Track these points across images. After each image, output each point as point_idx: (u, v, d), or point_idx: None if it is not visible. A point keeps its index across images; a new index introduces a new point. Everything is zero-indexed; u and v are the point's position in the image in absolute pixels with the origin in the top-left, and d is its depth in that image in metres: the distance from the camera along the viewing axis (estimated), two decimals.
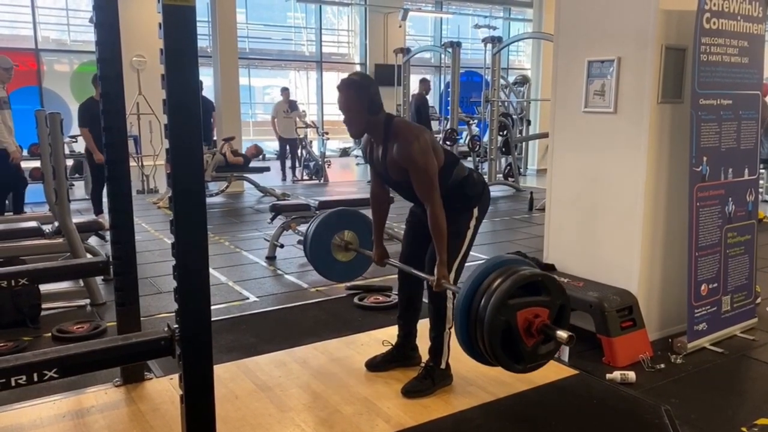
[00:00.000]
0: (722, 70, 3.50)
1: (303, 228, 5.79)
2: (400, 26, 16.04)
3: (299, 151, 11.59)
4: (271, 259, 5.64)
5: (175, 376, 2.57)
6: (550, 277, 2.29)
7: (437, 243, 2.68)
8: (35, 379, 2.03)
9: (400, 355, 3.15)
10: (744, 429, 2.69)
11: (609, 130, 3.58)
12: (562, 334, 2.13)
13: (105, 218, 4.93)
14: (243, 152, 9.38)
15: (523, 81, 12.39)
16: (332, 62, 16.70)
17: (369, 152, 2.91)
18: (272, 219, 5.90)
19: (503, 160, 10.63)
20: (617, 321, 3.34)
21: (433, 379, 2.90)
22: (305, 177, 11.42)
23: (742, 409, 2.90)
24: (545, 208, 4.15)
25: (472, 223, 2.87)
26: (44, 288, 4.12)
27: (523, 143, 11.81)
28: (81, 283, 4.36)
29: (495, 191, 9.85)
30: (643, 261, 3.50)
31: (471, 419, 2.71)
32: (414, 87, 11.22)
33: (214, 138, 9.76)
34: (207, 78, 9.94)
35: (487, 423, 2.68)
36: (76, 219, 4.74)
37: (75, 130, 9.79)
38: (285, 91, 11.77)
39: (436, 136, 10.69)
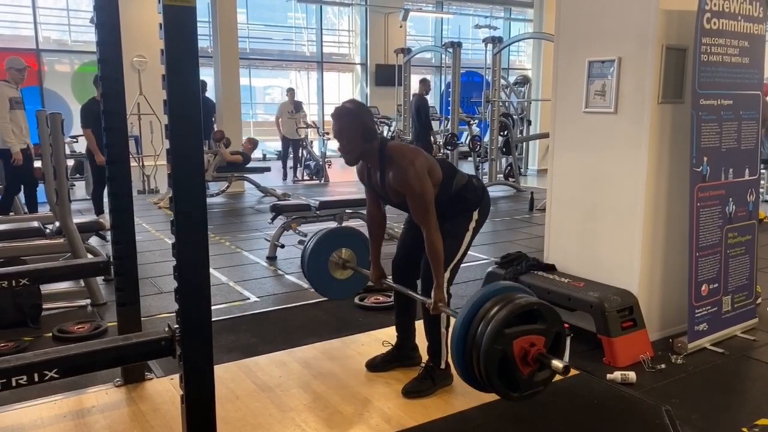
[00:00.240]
0: (723, 71, 3.50)
1: (303, 228, 5.80)
2: (400, 26, 16.06)
3: (300, 152, 11.60)
4: (271, 259, 5.64)
5: (176, 377, 2.57)
6: (546, 305, 2.33)
7: (434, 267, 2.71)
8: (36, 379, 2.04)
9: (401, 355, 3.16)
10: (745, 429, 2.69)
11: (609, 131, 3.58)
12: (558, 363, 2.17)
13: (106, 218, 4.94)
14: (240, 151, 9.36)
15: (524, 81, 12.40)
16: (333, 62, 16.71)
17: (366, 176, 2.94)
18: (273, 219, 5.90)
19: (504, 160, 10.63)
20: (618, 321, 3.34)
21: (433, 379, 2.90)
22: (306, 177, 11.43)
23: (742, 410, 2.90)
24: (546, 208, 4.15)
25: (472, 225, 2.88)
26: (45, 288, 4.13)
27: (524, 143, 11.81)
28: (82, 283, 4.36)
29: (496, 191, 9.85)
30: (643, 261, 3.50)
31: (471, 419, 2.71)
32: (414, 87, 11.21)
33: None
34: (208, 78, 9.94)
35: (487, 423, 2.69)
36: (76, 219, 4.74)
37: (75, 130, 9.82)
38: (290, 91, 11.79)
39: (436, 136, 10.79)
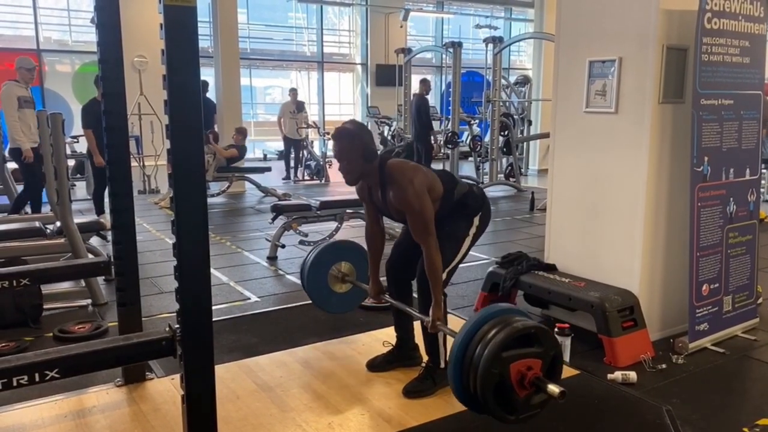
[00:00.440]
0: (723, 70, 3.49)
1: (304, 228, 5.81)
2: (401, 26, 16.06)
3: (300, 152, 11.60)
4: (272, 259, 5.65)
5: (177, 376, 2.57)
6: (543, 328, 2.35)
7: (432, 285, 2.73)
8: (37, 379, 2.04)
9: (401, 355, 3.16)
10: (745, 429, 2.69)
11: (610, 130, 3.58)
12: (554, 388, 2.18)
13: (106, 218, 4.94)
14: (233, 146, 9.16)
15: (525, 81, 12.39)
16: (333, 62, 16.72)
17: (368, 194, 2.97)
18: (273, 219, 5.91)
19: (504, 160, 10.63)
20: (618, 321, 3.34)
21: (434, 379, 2.90)
22: (306, 177, 11.43)
23: (743, 410, 2.90)
24: (546, 208, 4.15)
25: (472, 231, 2.91)
26: (46, 288, 4.13)
27: (525, 143, 11.81)
28: (82, 283, 4.37)
29: (496, 191, 9.86)
30: (644, 261, 3.50)
31: (472, 419, 2.69)
32: (415, 87, 11.22)
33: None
34: (208, 78, 9.95)
35: (487, 423, 2.67)
36: (77, 219, 4.74)
37: (76, 130, 9.82)
38: (293, 91, 11.78)
39: (437, 135, 10.79)
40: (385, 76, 15.50)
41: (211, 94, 10.07)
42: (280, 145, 12.29)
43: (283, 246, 5.74)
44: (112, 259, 2.95)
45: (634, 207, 3.49)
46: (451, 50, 10.26)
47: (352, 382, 3.01)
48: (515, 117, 10.91)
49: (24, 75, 6.34)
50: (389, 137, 13.01)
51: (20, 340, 3.59)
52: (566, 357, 3.31)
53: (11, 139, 6.29)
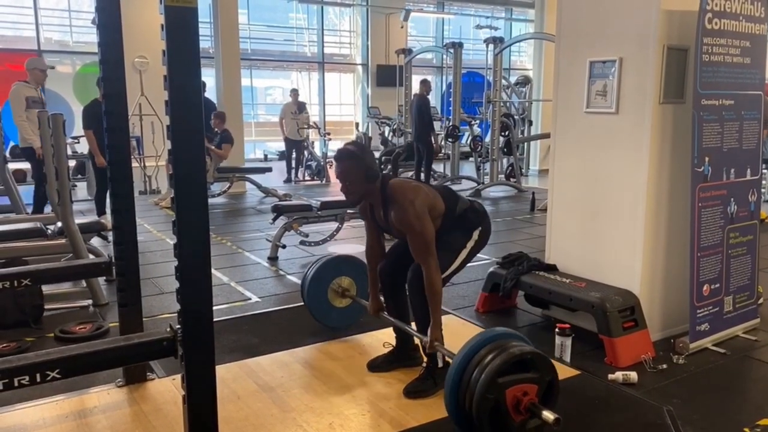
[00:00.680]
0: (724, 71, 3.49)
1: (305, 228, 5.81)
2: (401, 27, 16.07)
3: (302, 152, 11.60)
4: (273, 259, 5.65)
5: (178, 377, 2.57)
6: (539, 354, 2.37)
7: (431, 305, 2.75)
8: (38, 379, 2.04)
9: (402, 355, 3.16)
10: (746, 430, 2.69)
11: (611, 131, 3.58)
12: (549, 415, 2.21)
13: (107, 219, 4.95)
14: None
15: (525, 81, 12.39)
16: (334, 63, 16.72)
17: (370, 213, 3.00)
18: (274, 219, 5.90)
19: (505, 160, 10.63)
20: (619, 321, 3.34)
21: (434, 379, 2.91)
22: (307, 177, 11.43)
23: (744, 410, 2.90)
24: (547, 208, 4.15)
25: (470, 244, 2.96)
26: (47, 289, 4.13)
27: (525, 144, 11.81)
28: (83, 283, 4.37)
29: (497, 191, 9.86)
30: (645, 261, 3.49)
31: None
32: (415, 87, 11.22)
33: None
34: (209, 79, 9.95)
35: None
36: (78, 220, 4.74)
37: (77, 131, 9.82)
38: (294, 92, 11.77)
39: (438, 136, 10.78)
40: (386, 76, 15.50)
41: (212, 95, 10.07)
42: (280, 146, 12.28)
43: (284, 246, 5.74)
44: (113, 260, 2.95)
45: (634, 207, 3.49)
46: (451, 51, 10.26)
47: (352, 383, 3.02)
48: (516, 117, 10.91)
49: (37, 76, 6.48)
50: (390, 133, 13.03)
51: (21, 341, 3.59)
52: (567, 357, 3.32)
53: (22, 139, 6.41)
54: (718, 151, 3.53)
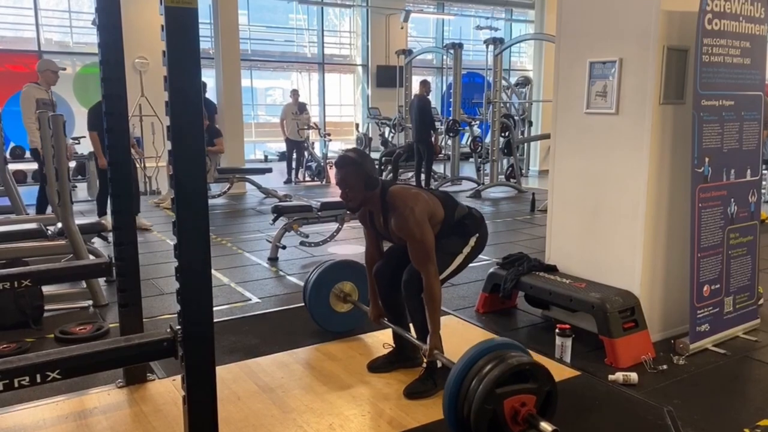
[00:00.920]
0: (724, 71, 3.49)
1: (305, 229, 5.81)
2: (401, 28, 16.07)
3: (302, 153, 11.60)
4: (273, 260, 5.65)
5: (178, 378, 2.57)
6: (538, 365, 2.38)
7: (430, 313, 2.76)
8: (38, 380, 2.04)
9: (402, 356, 3.16)
10: (746, 430, 2.69)
11: (611, 131, 3.58)
12: (547, 427, 2.22)
13: (108, 220, 4.95)
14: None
15: (525, 82, 12.40)
16: (334, 63, 16.72)
17: (369, 220, 3.01)
18: (274, 220, 5.91)
19: (505, 161, 10.63)
20: (619, 322, 3.34)
21: (434, 380, 2.91)
22: (307, 178, 11.43)
23: (744, 411, 2.90)
24: (547, 209, 4.15)
25: (466, 249, 2.98)
26: (47, 289, 4.13)
27: (525, 144, 11.81)
28: (84, 284, 4.37)
29: (497, 192, 9.86)
30: (645, 262, 3.49)
31: None
32: (415, 88, 11.22)
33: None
34: (209, 79, 9.95)
35: None
36: (78, 220, 4.74)
37: (78, 132, 9.83)
38: (294, 93, 11.77)
39: (439, 137, 10.79)
40: (386, 77, 15.51)
41: (212, 95, 10.07)
42: (280, 147, 12.27)
43: (284, 247, 5.74)
44: (113, 261, 2.95)
45: (634, 208, 3.48)
46: (451, 51, 10.26)
47: (353, 383, 3.02)
48: (516, 118, 10.91)
49: (49, 77, 6.52)
50: (390, 132, 13.03)
51: (21, 341, 3.59)
52: (567, 358, 3.32)
53: (31, 141, 6.38)
54: (718, 151, 3.53)
